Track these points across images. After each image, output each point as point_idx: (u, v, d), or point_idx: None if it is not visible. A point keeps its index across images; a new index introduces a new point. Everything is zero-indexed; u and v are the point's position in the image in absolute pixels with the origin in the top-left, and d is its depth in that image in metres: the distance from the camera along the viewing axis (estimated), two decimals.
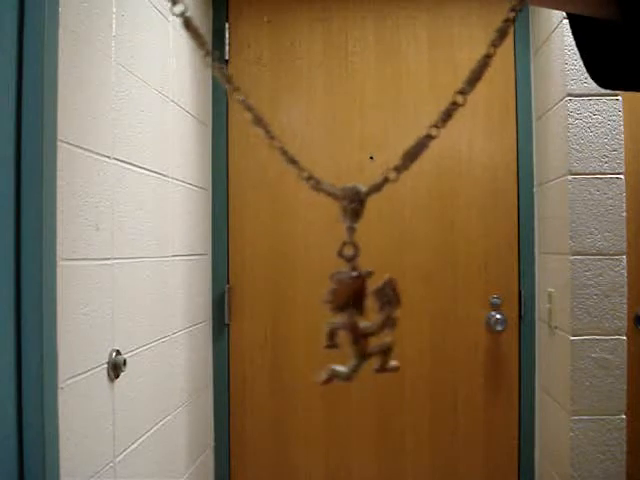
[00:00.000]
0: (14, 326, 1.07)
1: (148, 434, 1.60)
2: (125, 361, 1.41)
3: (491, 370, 2.21)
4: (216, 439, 2.25)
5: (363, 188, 0.35)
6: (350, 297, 0.35)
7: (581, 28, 0.42)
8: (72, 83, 1.21)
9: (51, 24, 1.11)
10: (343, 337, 0.36)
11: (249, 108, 0.36)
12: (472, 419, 2.22)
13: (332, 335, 0.36)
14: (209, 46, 0.36)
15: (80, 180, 1.24)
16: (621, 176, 1.77)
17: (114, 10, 1.41)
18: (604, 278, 1.75)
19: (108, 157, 1.38)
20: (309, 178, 0.35)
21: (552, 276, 1.99)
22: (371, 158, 2.23)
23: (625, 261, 1.75)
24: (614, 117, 1.78)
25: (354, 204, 0.35)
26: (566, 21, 1.80)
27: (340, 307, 0.35)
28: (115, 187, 1.41)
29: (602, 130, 1.78)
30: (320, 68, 2.26)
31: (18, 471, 1.06)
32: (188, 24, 0.34)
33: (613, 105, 1.78)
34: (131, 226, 1.51)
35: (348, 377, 0.36)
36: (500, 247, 2.22)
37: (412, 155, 0.34)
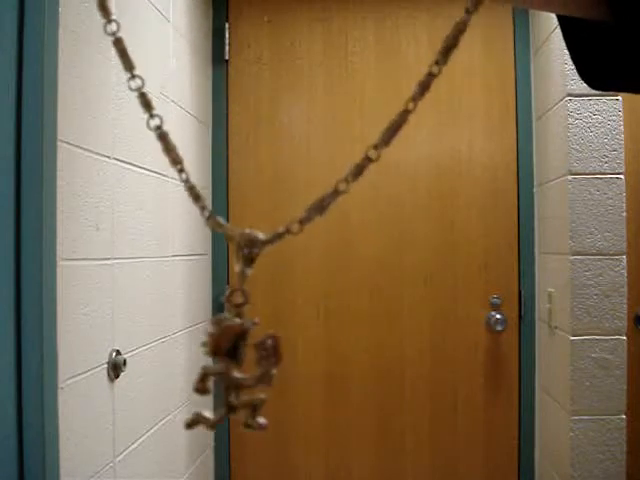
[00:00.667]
0: (14, 326, 1.07)
1: (148, 434, 1.60)
2: (125, 361, 1.41)
3: (491, 370, 2.21)
4: (216, 439, 2.25)
5: (261, 236, 0.34)
6: (228, 345, 0.34)
7: (571, 30, 0.42)
8: (72, 83, 1.21)
9: (51, 24, 1.11)
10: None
11: (161, 136, 0.35)
12: (472, 419, 2.22)
13: (203, 379, 0.35)
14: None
15: (80, 180, 1.24)
16: (621, 176, 1.77)
17: (114, 10, 1.41)
18: (604, 278, 1.75)
19: (108, 157, 1.38)
20: (209, 218, 0.35)
21: (552, 276, 1.99)
22: None
23: (625, 261, 1.75)
24: (614, 117, 1.78)
25: (249, 251, 0.34)
26: None
27: (217, 353, 0.34)
28: (115, 187, 1.41)
29: (602, 130, 1.78)
30: (320, 68, 2.26)
31: (18, 471, 1.06)
32: (165, 139, 0.33)
33: (613, 105, 1.78)
34: (131, 226, 1.51)
35: (213, 424, 0.35)
36: (500, 247, 2.22)
37: (391, 132, 0.33)
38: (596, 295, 1.75)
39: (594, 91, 1.79)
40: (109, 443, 1.37)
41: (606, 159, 1.77)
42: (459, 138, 2.23)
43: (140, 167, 1.56)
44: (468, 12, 0.31)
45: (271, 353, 0.34)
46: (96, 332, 1.31)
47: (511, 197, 2.22)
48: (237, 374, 0.34)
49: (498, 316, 2.17)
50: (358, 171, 0.32)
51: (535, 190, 2.19)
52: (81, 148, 1.25)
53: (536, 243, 2.18)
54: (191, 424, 0.36)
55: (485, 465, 2.22)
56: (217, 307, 2.25)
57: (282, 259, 2.24)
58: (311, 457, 2.24)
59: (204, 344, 0.33)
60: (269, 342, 0.34)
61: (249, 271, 0.34)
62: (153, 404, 1.65)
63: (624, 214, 1.76)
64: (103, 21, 0.32)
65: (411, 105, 0.32)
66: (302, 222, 0.33)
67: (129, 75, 0.34)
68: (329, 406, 2.24)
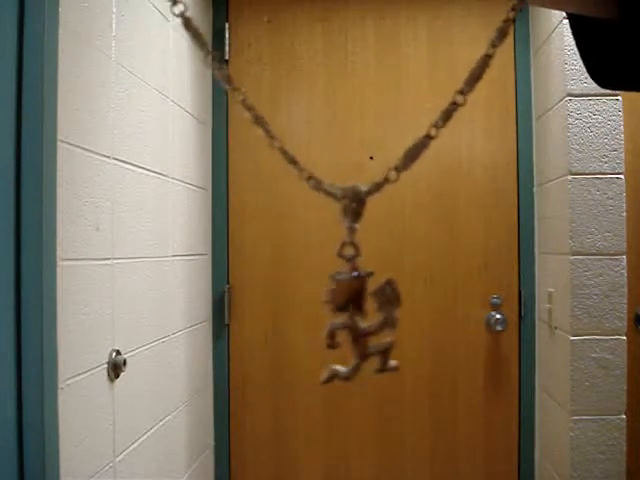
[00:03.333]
0: (14, 326, 1.07)
1: (148, 434, 1.60)
2: (125, 361, 1.41)
3: (491, 370, 2.21)
4: (216, 439, 2.25)
5: (363, 188, 0.35)
6: (350, 297, 0.35)
7: (581, 28, 0.42)
8: (72, 83, 1.21)
9: (51, 24, 1.11)
10: (343, 337, 0.36)
11: (249, 108, 0.36)
12: (472, 419, 2.22)
13: (332, 335, 0.36)
14: (209, 46, 0.36)
15: (80, 180, 1.24)
16: (621, 176, 1.77)
17: (114, 10, 1.41)
18: (604, 278, 1.75)
19: (108, 157, 1.38)
20: (309, 178, 0.35)
21: (552, 276, 1.99)
22: (371, 158, 2.23)
23: (625, 261, 1.75)
24: (614, 117, 1.78)
25: (354, 204, 0.35)
26: (566, 21, 1.80)
27: (340, 307, 0.35)
28: (115, 187, 1.41)
29: (602, 130, 1.78)
30: (320, 68, 2.26)
31: (18, 471, 1.06)
32: (188, 24, 0.34)
33: (613, 105, 1.78)
34: (131, 226, 1.51)
35: (348, 377, 0.36)
36: (500, 247, 2.22)
37: (412, 155, 0.34)
38: (596, 295, 1.75)
39: (594, 91, 1.79)
40: (109, 443, 1.37)
41: (606, 159, 1.77)
42: (459, 138, 2.23)
43: (140, 167, 1.56)
44: (494, 46, 0.32)
45: (391, 298, 0.35)
46: (96, 332, 1.31)
47: (511, 197, 2.22)
48: (363, 324, 0.34)
49: (498, 316, 2.17)
50: (447, 116, 0.33)
51: (535, 190, 2.19)
52: (81, 148, 1.25)
53: (536, 243, 2.18)
54: (328, 379, 0.37)
55: (485, 465, 2.22)
56: (217, 307, 2.25)
57: (282, 259, 2.24)
58: (311, 457, 2.24)
59: (327, 300, 0.34)
60: (387, 287, 0.35)
61: (356, 225, 0.35)
62: (153, 404, 1.65)
63: (624, 214, 1.76)
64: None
65: (434, 131, 0.33)
66: (398, 169, 0.34)
67: None
68: (329, 406, 2.24)
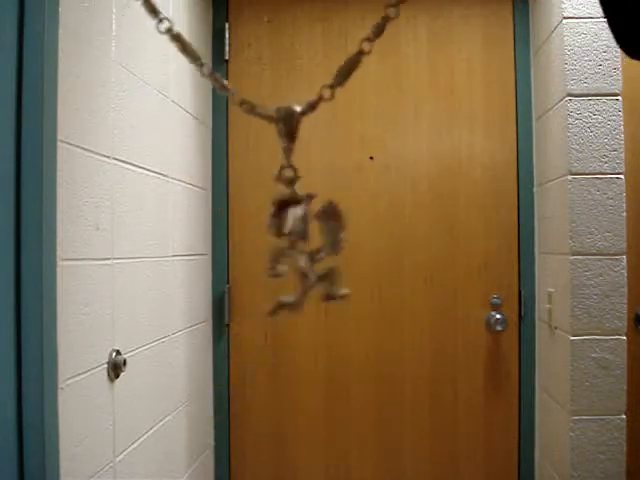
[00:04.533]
0: (14, 326, 1.07)
1: (148, 434, 1.60)
2: (125, 361, 1.41)
3: (491, 370, 2.21)
4: (216, 439, 2.25)
5: (297, 108, 0.34)
6: (292, 221, 0.33)
7: None
8: (72, 83, 1.21)
9: (51, 24, 1.11)
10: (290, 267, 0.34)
11: (175, 37, 0.34)
12: (472, 419, 2.22)
13: (275, 261, 0.34)
14: (204, 54, 0.35)
15: (80, 180, 1.24)
16: (621, 176, 1.77)
17: (114, 10, 1.41)
18: (604, 278, 1.75)
19: (108, 157, 1.38)
20: (242, 103, 0.34)
21: (552, 276, 1.99)
22: (371, 158, 2.23)
23: (625, 261, 1.75)
24: (614, 117, 1.78)
25: (289, 124, 0.33)
26: (566, 21, 1.80)
27: (282, 232, 0.33)
28: (115, 187, 1.41)
29: (602, 130, 1.78)
30: (320, 68, 2.26)
31: (18, 471, 1.06)
32: (178, 40, 0.34)
33: (613, 105, 1.78)
34: (131, 226, 1.51)
35: (295, 306, 0.34)
36: (500, 247, 2.22)
37: (345, 72, 0.33)
38: (596, 295, 1.75)
39: (594, 91, 1.79)
40: (109, 443, 1.37)
41: (606, 159, 1.77)
42: (459, 138, 2.23)
43: (140, 167, 1.56)
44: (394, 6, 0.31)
45: (336, 218, 0.34)
46: (96, 332, 1.31)
47: (511, 197, 2.22)
48: (306, 248, 0.33)
49: (498, 316, 2.17)
50: (380, 30, 0.33)
51: (535, 190, 2.19)
52: (81, 148, 1.25)
53: (536, 243, 2.18)
54: (275, 309, 0.35)
55: (485, 465, 2.22)
56: (217, 307, 2.25)
57: None
58: (311, 457, 2.24)
59: (268, 226, 0.32)
60: (330, 208, 0.34)
61: (293, 145, 0.34)
62: (153, 404, 1.65)
63: (624, 214, 1.76)
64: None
65: (367, 46, 0.32)
66: (332, 86, 0.33)
67: None
68: (329, 406, 2.24)
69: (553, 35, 1.91)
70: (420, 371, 2.22)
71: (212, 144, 2.26)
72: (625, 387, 1.74)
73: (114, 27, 1.41)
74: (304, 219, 0.32)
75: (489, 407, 2.22)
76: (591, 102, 1.78)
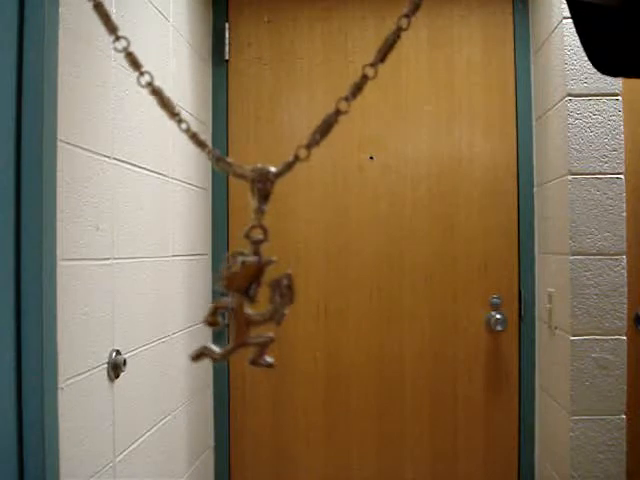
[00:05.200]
0: (14, 326, 1.07)
1: (148, 434, 1.60)
2: (125, 361, 1.41)
3: (491, 370, 2.21)
4: (216, 439, 2.25)
5: (272, 169, 0.34)
6: (243, 281, 0.33)
7: (582, 14, 0.42)
8: (72, 83, 1.21)
9: (51, 24, 1.11)
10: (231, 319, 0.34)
11: (155, 92, 0.35)
12: (472, 419, 2.21)
13: (214, 312, 0.35)
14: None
15: (80, 180, 1.24)
16: (621, 176, 1.77)
17: (114, 10, 1.41)
18: (604, 278, 1.75)
19: (108, 157, 1.38)
20: (218, 160, 0.34)
21: (552, 276, 1.99)
22: (371, 158, 2.23)
23: (625, 261, 1.75)
24: (614, 117, 1.78)
25: (263, 185, 0.34)
26: (566, 21, 1.80)
27: (232, 288, 0.33)
28: (115, 187, 1.41)
29: (602, 130, 1.78)
30: (320, 68, 2.26)
31: (18, 471, 1.06)
32: (157, 94, 0.33)
33: (613, 105, 1.78)
34: (131, 226, 1.51)
35: (218, 359, 0.35)
36: (500, 247, 2.22)
37: (322, 131, 0.33)
38: (596, 295, 1.75)
39: (594, 91, 1.79)
40: (109, 443, 1.37)
41: (606, 159, 1.77)
42: (459, 138, 2.23)
43: (140, 167, 1.56)
44: (407, 16, 0.32)
45: (285, 292, 0.34)
46: (96, 332, 1.31)
47: (511, 197, 2.22)
48: (249, 311, 0.34)
49: (498, 316, 2.17)
50: (357, 90, 0.33)
51: (535, 190, 2.19)
52: (81, 148, 1.25)
53: (536, 243, 2.18)
54: (197, 356, 0.35)
55: (485, 465, 2.22)
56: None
57: (282, 258, 2.24)
58: (311, 457, 2.24)
59: (219, 278, 0.33)
60: (284, 281, 0.34)
61: (265, 207, 0.34)
62: (153, 404, 1.65)
63: (624, 214, 1.76)
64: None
65: (344, 105, 0.32)
66: (309, 146, 0.33)
67: (113, 37, 0.34)
68: (329, 406, 2.24)
69: (553, 35, 1.91)
70: (420, 371, 2.22)
71: (212, 144, 2.26)
72: (625, 387, 1.74)
73: None
74: (256, 281, 0.32)
75: (489, 407, 2.22)
76: (591, 102, 1.78)
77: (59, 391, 1.14)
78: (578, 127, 1.78)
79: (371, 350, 2.22)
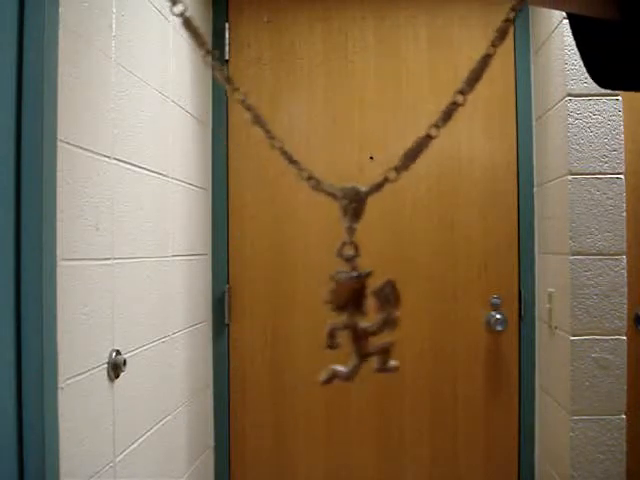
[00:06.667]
0: (14, 326, 1.07)
1: (148, 434, 1.60)
2: (125, 361, 1.41)
3: (491, 370, 2.21)
4: (216, 439, 2.25)
5: (363, 188, 0.35)
6: (350, 297, 0.35)
7: (581, 28, 0.42)
8: (72, 83, 1.21)
9: (51, 24, 1.11)
10: (344, 337, 0.36)
11: (249, 108, 0.36)
12: (472, 419, 2.21)
13: (332, 335, 0.36)
14: (209, 46, 0.35)
15: (80, 180, 1.24)
16: (621, 176, 1.77)
17: (114, 10, 1.41)
18: (604, 278, 1.75)
19: (108, 157, 1.38)
20: (309, 178, 0.35)
21: (552, 276, 1.99)
22: (371, 158, 2.23)
23: (625, 261, 1.75)
24: (614, 117, 1.78)
25: (354, 204, 0.35)
26: (566, 21, 1.80)
27: (340, 307, 0.35)
28: (115, 187, 1.41)
29: (602, 130, 1.78)
30: (320, 68, 2.26)
31: (18, 471, 1.06)
32: (188, 24, 0.34)
33: (613, 105, 1.78)
34: (131, 226, 1.51)
35: (348, 377, 0.36)
36: (500, 247, 2.22)
37: (412, 155, 0.34)
38: (596, 295, 1.75)
39: (594, 91, 1.79)
40: (109, 443, 1.37)
41: (606, 159, 1.77)
42: (459, 138, 2.23)
43: (140, 167, 1.56)
44: (494, 46, 0.32)
45: (391, 298, 0.35)
46: (96, 332, 1.31)
47: (511, 197, 2.22)
48: (363, 323, 0.34)
49: (498, 316, 2.17)
50: (447, 116, 0.33)
51: (535, 190, 2.19)
52: (81, 148, 1.25)
53: (536, 243, 2.18)
54: (328, 380, 0.36)
55: (485, 465, 2.22)
56: (217, 307, 2.25)
57: (283, 258, 2.24)
58: (311, 457, 2.24)
59: (327, 300, 0.34)
60: (387, 287, 0.35)
61: (356, 225, 0.35)
62: (153, 404, 1.65)
63: (624, 214, 1.76)
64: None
65: (434, 131, 0.33)
66: (398, 169, 0.34)
67: None
68: (329, 406, 2.24)
69: (553, 35, 1.91)
70: (420, 371, 2.22)
71: (212, 144, 2.26)
72: (625, 387, 1.74)
73: (114, 27, 1.41)
74: (362, 295, 0.34)
75: (489, 407, 2.22)
76: (591, 102, 1.78)
77: (59, 391, 1.14)
78: (578, 127, 1.78)
79: None
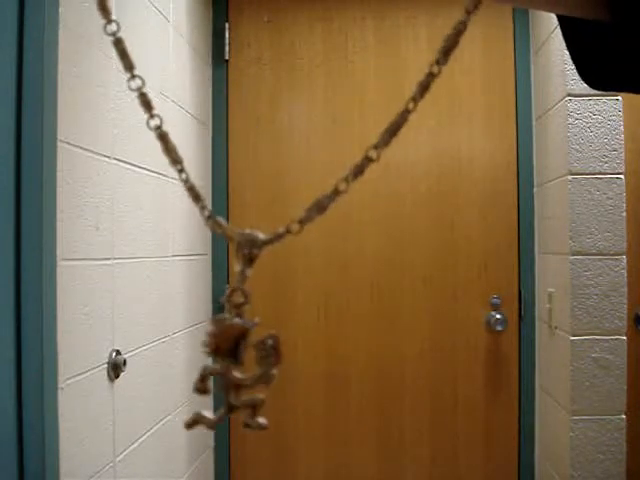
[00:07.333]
0: (14, 326, 1.07)
1: (148, 434, 1.60)
2: (125, 361, 1.41)
3: (491, 370, 2.21)
4: (216, 439, 2.25)
5: (261, 236, 0.34)
6: (228, 345, 0.33)
7: (571, 29, 0.42)
8: (72, 83, 1.21)
9: (51, 24, 1.11)
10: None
11: (162, 137, 0.35)
12: (472, 419, 2.21)
13: (203, 379, 0.35)
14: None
15: (80, 180, 1.24)
16: (621, 176, 1.77)
17: (114, 10, 1.41)
18: (604, 278, 1.75)
19: (108, 157, 1.38)
20: (209, 217, 0.35)
21: (552, 276, 1.99)
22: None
23: (625, 261, 1.75)
24: (614, 117, 1.78)
25: (249, 251, 0.34)
26: None
27: (216, 353, 0.34)
28: (115, 187, 1.41)
29: (602, 130, 1.78)
30: (320, 68, 2.26)
31: (18, 471, 1.06)
32: (164, 139, 0.33)
33: (613, 105, 1.78)
34: (131, 226, 1.51)
35: (213, 424, 0.35)
36: (500, 247, 2.21)
37: (391, 132, 0.33)
38: (596, 295, 1.75)
39: (594, 91, 1.79)
40: (109, 443, 1.37)
41: (606, 159, 1.77)
42: (459, 138, 2.23)
43: (140, 167, 1.56)
44: (468, 12, 0.31)
45: (271, 353, 0.34)
46: (96, 332, 1.31)
47: (511, 197, 2.22)
48: (237, 374, 0.34)
49: (498, 316, 2.17)
50: (358, 171, 0.32)
51: (535, 190, 2.19)
52: (81, 148, 1.25)
53: (536, 243, 2.18)
54: (191, 424, 0.35)
55: (485, 465, 2.22)
56: (217, 307, 2.25)
57: (283, 259, 2.24)
58: (311, 457, 2.24)
59: (204, 344, 0.33)
60: (269, 342, 0.34)
61: (249, 271, 0.34)
62: (153, 404, 1.65)
63: (624, 214, 1.76)
64: (103, 21, 0.32)
65: (411, 105, 0.32)
66: (302, 222, 0.33)
67: (129, 75, 0.34)
68: (329, 406, 2.24)
69: (553, 35, 1.91)
70: (420, 371, 2.22)
71: (212, 144, 2.26)
72: (625, 387, 1.74)
73: (114, 27, 1.41)
74: (242, 345, 0.33)
75: (489, 407, 2.21)
76: (591, 102, 1.78)
77: (59, 391, 1.14)
78: (578, 127, 1.78)
79: (371, 350, 2.22)
